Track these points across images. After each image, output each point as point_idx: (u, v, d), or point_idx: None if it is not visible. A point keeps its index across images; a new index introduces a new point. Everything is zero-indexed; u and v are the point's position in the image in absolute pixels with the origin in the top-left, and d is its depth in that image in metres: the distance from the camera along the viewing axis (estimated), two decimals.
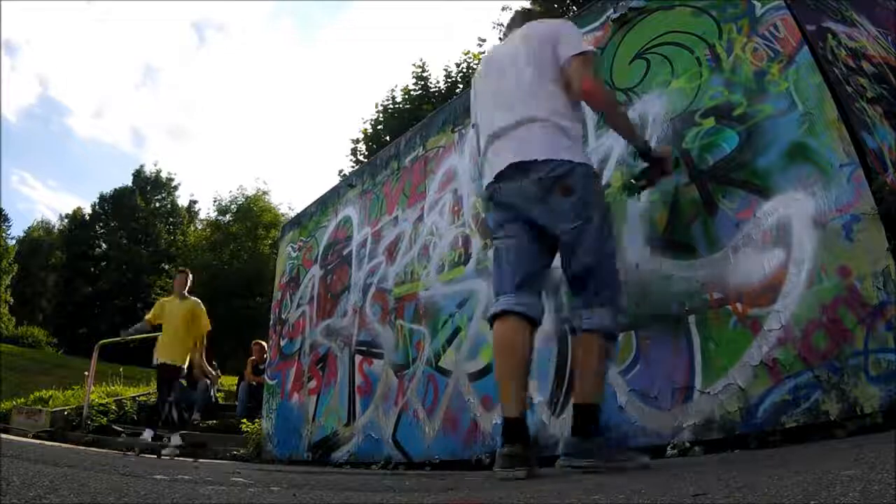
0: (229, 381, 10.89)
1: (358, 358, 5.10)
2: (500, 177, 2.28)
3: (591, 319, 2.16)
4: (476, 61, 16.63)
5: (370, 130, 17.75)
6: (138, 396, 8.86)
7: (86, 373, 8.44)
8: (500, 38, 16.70)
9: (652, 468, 2.06)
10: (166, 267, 35.02)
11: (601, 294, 2.17)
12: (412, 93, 17.26)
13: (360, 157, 17.48)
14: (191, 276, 7.39)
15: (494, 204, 2.35)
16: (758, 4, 2.81)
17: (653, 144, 2.65)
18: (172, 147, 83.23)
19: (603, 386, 2.28)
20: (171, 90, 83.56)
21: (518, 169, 2.22)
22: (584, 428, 2.12)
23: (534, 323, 2.21)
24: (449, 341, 4.14)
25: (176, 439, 6.35)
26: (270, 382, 6.51)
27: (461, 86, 15.87)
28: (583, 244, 2.15)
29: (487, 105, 2.50)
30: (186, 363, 6.91)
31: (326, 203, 6.42)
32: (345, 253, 5.75)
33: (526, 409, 2.13)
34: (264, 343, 6.91)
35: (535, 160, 2.17)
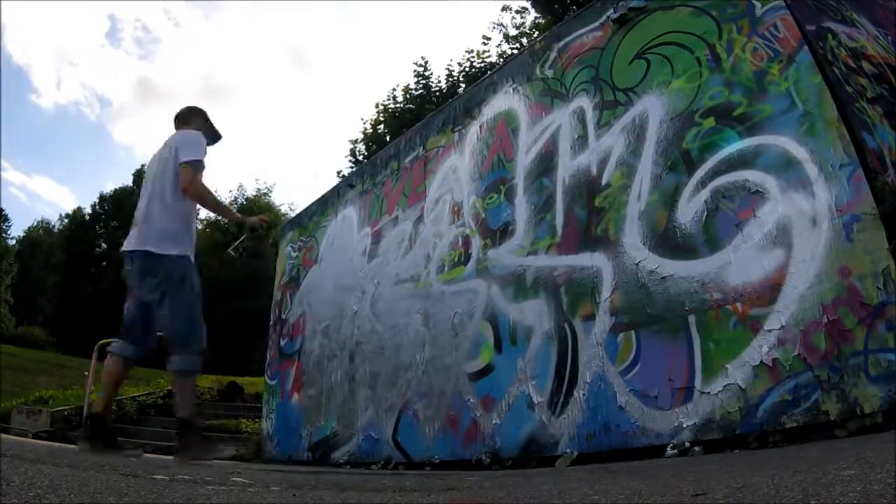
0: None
1: (357, 358, 5.10)
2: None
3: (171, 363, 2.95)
4: (479, 60, 16.63)
5: (370, 130, 17.75)
6: (139, 396, 8.86)
7: (86, 373, 8.44)
8: (504, 37, 16.68)
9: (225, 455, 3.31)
10: None
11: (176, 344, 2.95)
12: (413, 92, 17.26)
13: (360, 158, 17.48)
14: None
15: None
16: (758, 4, 2.81)
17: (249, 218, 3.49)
18: (143, 108, 79.24)
19: (188, 404, 3.00)
20: (135, 44, 76.16)
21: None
22: (184, 432, 2.95)
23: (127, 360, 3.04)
24: (449, 341, 4.14)
25: None
26: (270, 382, 6.51)
27: (463, 85, 15.86)
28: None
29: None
30: None
31: (326, 203, 6.42)
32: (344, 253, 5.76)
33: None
34: None
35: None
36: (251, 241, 3.39)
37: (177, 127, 3.40)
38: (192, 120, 3.41)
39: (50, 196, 74.52)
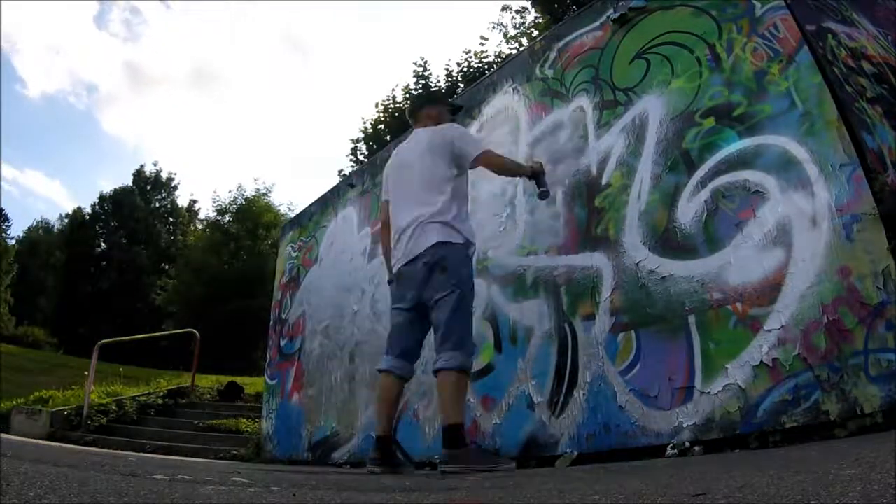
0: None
1: (357, 358, 5.09)
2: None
3: (441, 361, 2.70)
4: (477, 60, 16.63)
5: (370, 130, 17.77)
6: (139, 396, 8.85)
7: (86, 373, 8.44)
8: (503, 37, 16.65)
9: (515, 472, 2.50)
10: (166, 267, 35.05)
11: (450, 341, 2.71)
12: (413, 92, 17.27)
13: (361, 157, 17.49)
14: None
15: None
16: (758, 4, 2.81)
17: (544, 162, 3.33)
18: (131, 96, 77.91)
19: (459, 409, 2.67)
20: (123, 26, 75.48)
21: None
22: (451, 442, 2.60)
23: (404, 379, 2.97)
24: None
25: None
26: (270, 382, 6.51)
27: (462, 85, 15.87)
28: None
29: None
30: None
31: (326, 203, 6.42)
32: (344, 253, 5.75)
33: (389, 431, 2.89)
34: None
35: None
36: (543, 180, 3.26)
37: (419, 118, 3.27)
38: (438, 108, 3.30)
39: (42, 190, 73.99)
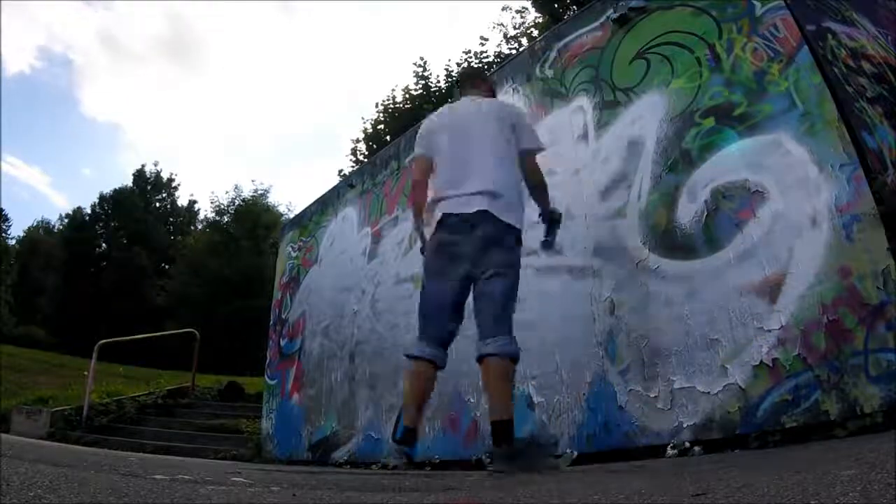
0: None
1: (357, 358, 5.10)
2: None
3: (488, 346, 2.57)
4: (477, 60, 16.63)
5: (370, 130, 17.78)
6: (139, 396, 8.86)
7: (86, 373, 8.44)
8: (503, 37, 16.63)
9: (562, 471, 2.38)
10: (166, 267, 35.07)
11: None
12: (413, 92, 17.29)
13: (361, 157, 17.50)
14: None
15: None
16: (758, 4, 2.81)
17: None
18: (110, 72, 74.09)
19: (505, 403, 2.51)
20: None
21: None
22: (498, 440, 2.44)
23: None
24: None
25: None
26: (270, 382, 6.51)
27: None
28: None
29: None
30: None
31: (326, 203, 6.42)
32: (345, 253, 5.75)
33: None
34: None
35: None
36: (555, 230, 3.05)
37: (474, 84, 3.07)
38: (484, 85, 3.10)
39: (23, 178, 71.93)
